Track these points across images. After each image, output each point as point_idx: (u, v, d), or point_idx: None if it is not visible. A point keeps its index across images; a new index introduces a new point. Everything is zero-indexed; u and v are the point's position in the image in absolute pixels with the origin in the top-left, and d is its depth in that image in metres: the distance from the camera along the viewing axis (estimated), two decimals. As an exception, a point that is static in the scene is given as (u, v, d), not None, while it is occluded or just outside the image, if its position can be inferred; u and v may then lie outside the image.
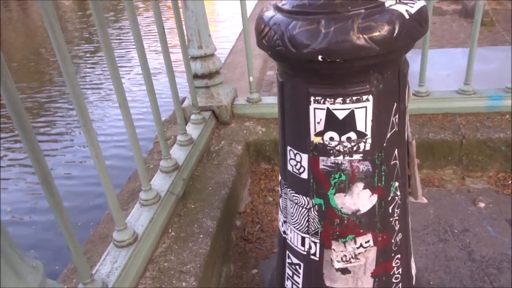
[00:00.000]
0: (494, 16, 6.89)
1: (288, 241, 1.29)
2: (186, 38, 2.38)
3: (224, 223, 1.92)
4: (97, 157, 1.36)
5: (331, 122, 1.03)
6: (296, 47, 0.93)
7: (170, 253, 1.66)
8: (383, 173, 1.10)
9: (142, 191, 1.76)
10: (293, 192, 1.19)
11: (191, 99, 2.32)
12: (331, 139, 1.05)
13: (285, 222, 1.29)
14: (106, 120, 6.22)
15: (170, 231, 1.78)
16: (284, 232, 1.31)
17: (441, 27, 7.18)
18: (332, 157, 1.07)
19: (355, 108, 1.01)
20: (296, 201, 1.19)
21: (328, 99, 1.01)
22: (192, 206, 1.91)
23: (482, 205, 2.20)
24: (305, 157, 1.11)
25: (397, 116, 1.07)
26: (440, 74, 3.92)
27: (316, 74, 0.99)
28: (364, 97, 1.00)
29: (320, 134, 1.05)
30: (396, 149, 1.11)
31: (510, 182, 2.31)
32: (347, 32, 0.89)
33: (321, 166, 1.09)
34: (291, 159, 1.15)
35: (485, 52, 4.60)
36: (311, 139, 1.07)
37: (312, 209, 1.16)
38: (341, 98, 1.00)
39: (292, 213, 1.22)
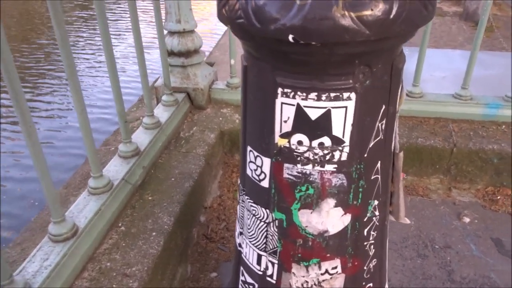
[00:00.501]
0: (494, 22, 6.68)
1: (243, 256, 1.07)
2: (164, 10, 2.13)
3: (184, 219, 1.70)
4: (29, 136, 1.13)
5: (301, 122, 0.80)
6: (261, 22, 0.70)
7: (115, 251, 1.44)
8: (360, 190, 0.88)
9: (91, 178, 1.53)
10: (251, 201, 0.97)
11: (163, 78, 2.07)
12: (300, 143, 0.82)
13: (241, 233, 1.07)
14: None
15: (120, 225, 1.55)
16: (240, 245, 1.09)
17: (439, 28, 6.96)
18: (299, 165, 0.85)
19: (333, 107, 0.78)
20: (254, 212, 0.97)
21: (299, 93, 0.78)
22: (150, 198, 1.69)
23: (467, 220, 2.01)
24: (267, 161, 0.88)
25: (384, 122, 0.85)
26: (435, 76, 3.71)
27: (286, 59, 0.76)
28: (345, 95, 0.78)
29: (287, 135, 0.83)
30: (379, 162, 0.89)
31: (499, 197, 2.12)
32: (329, 7, 0.66)
33: (285, 175, 0.87)
34: (250, 161, 0.93)
35: (484, 57, 4.39)
36: (275, 141, 0.84)
37: (271, 224, 0.94)
38: (316, 94, 0.77)
39: (248, 225, 1.01)
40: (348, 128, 0.80)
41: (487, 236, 1.94)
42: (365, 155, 0.85)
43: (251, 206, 0.97)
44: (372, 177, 0.89)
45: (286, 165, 0.85)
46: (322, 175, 0.85)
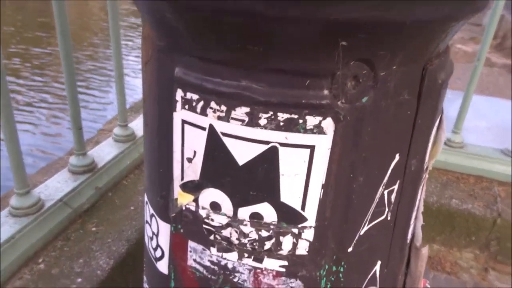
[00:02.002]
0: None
1: None
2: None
3: (132, 262, 1.28)
4: None
5: (217, 165, 0.37)
6: None
7: (19, 298, 1.03)
8: (334, 313, 0.43)
9: (15, 195, 1.14)
10: (148, 287, 0.54)
11: (150, 84, 1.69)
12: (214, 207, 0.39)
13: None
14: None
15: (40, 261, 1.14)
16: None
17: (486, 79, 6.37)
18: (213, 250, 0.41)
19: (283, 144, 0.35)
20: (151, 308, 0.53)
21: (213, 105, 0.35)
22: (93, 229, 1.27)
23: (506, 315, 1.47)
24: (164, 229, 0.45)
25: (395, 187, 0.40)
26: (479, 126, 3.16)
27: (196, 27, 0.34)
28: (312, 121, 0.34)
29: (193, 188, 0.39)
30: (379, 261, 0.44)
31: (551, 289, 1.58)
32: None
33: (190, 262, 0.43)
34: (147, 221, 0.50)
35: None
36: (174, 195, 0.41)
37: (172, 338, 0.50)
38: (247, 110, 0.34)
39: (147, 325, 0.57)
40: (316, 192, 0.36)
41: None
42: (350, 249, 0.40)
43: (149, 296, 0.54)
44: (362, 291, 0.44)
45: (191, 244, 0.42)
46: (257, 276, 0.40)
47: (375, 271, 0.44)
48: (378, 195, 0.39)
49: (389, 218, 0.41)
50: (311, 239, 0.38)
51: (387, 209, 0.40)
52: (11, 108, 1.00)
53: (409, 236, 0.47)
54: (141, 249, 1.30)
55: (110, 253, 1.20)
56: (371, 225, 0.40)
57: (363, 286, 0.43)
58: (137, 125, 1.63)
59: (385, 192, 0.39)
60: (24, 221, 1.11)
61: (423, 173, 0.42)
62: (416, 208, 0.44)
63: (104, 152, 1.43)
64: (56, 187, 1.24)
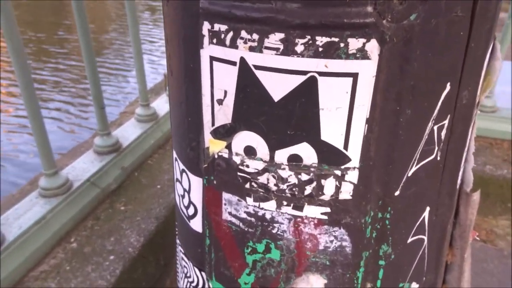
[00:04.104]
0: None
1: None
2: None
3: (162, 240, 1.27)
4: None
5: (251, 104, 0.34)
6: None
7: (54, 276, 1.04)
8: (381, 263, 0.40)
9: (43, 176, 1.14)
10: (182, 250, 0.52)
11: (170, 64, 1.66)
12: (249, 152, 0.36)
13: (179, 295, 0.62)
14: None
15: (72, 240, 1.15)
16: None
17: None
18: (249, 200, 0.38)
19: (323, 73, 0.31)
20: (185, 270, 0.51)
21: (244, 34, 0.32)
22: (122, 208, 1.27)
23: (546, 281, 1.41)
24: (196, 183, 0.43)
25: (446, 122, 0.36)
26: (506, 91, 3.02)
27: None
28: (355, 44, 0.30)
29: (225, 133, 0.37)
30: (428, 208, 0.41)
31: None
32: None
33: (225, 215, 0.40)
34: (177, 179, 0.48)
35: None
36: (205, 144, 0.39)
37: (209, 299, 0.48)
38: (283, 36, 0.31)
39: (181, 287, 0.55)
40: (359, 128, 0.33)
41: None
42: (397, 193, 0.37)
43: (182, 258, 0.52)
44: (411, 239, 0.40)
45: (226, 195, 0.39)
46: (297, 225, 0.38)
47: (424, 218, 0.40)
48: (427, 131, 0.35)
49: (438, 158, 0.37)
50: (355, 181, 0.35)
51: (436, 148, 0.37)
52: (33, 87, 0.99)
53: (459, 181, 0.43)
54: (170, 227, 1.30)
55: (140, 231, 1.20)
56: (419, 165, 0.37)
57: (411, 234, 0.40)
58: (158, 105, 1.62)
59: (435, 128, 0.35)
60: (54, 201, 1.12)
61: (475, 108, 0.38)
62: (466, 148, 0.40)
63: (128, 132, 1.42)
64: (83, 167, 1.25)
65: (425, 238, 0.41)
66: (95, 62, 1.19)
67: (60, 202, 1.12)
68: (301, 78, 0.31)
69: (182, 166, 0.44)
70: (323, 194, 0.35)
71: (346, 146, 0.33)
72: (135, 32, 1.33)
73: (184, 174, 0.44)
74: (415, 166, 0.36)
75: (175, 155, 0.46)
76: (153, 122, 1.50)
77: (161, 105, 1.62)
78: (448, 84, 0.34)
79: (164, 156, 1.52)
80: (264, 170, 0.35)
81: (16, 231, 1.02)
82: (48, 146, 1.08)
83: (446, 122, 0.36)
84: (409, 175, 0.36)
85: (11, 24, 0.88)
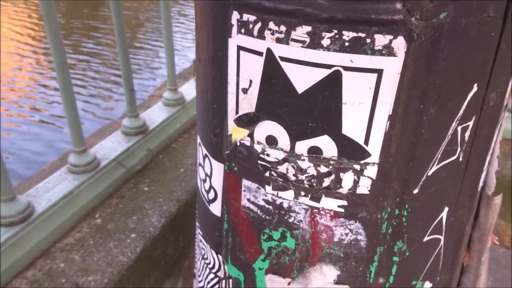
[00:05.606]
0: None
1: (194, 312, 0.64)
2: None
3: (182, 223, 1.30)
4: None
5: (275, 95, 0.35)
6: None
7: (78, 249, 1.08)
8: (395, 259, 0.40)
9: (73, 153, 1.18)
10: (201, 233, 0.53)
11: (199, 50, 1.68)
12: (271, 141, 0.37)
13: (194, 275, 0.64)
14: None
15: (97, 216, 1.19)
16: (193, 293, 0.66)
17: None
18: (268, 188, 0.39)
19: (347, 68, 0.32)
20: (203, 252, 0.53)
21: (272, 25, 0.32)
22: (145, 188, 1.31)
23: None
24: (218, 168, 0.44)
25: (471, 123, 0.36)
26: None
27: None
28: (382, 40, 0.30)
29: (248, 122, 0.37)
30: (446, 208, 0.40)
31: None
32: None
33: (244, 201, 0.41)
34: (200, 164, 0.49)
35: None
36: (228, 131, 0.40)
37: (224, 282, 0.49)
38: (309, 29, 0.31)
39: (198, 270, 0.57)
40: (381, 125, 0.33)
41: None
42: (415, 191, 0.37)
43: (201, 240, 0.53)
44: (427, 238, 0.40)
45: (246, 182, 0.40)
46: (313, 216, 0.38)
47: (441, 218, 0.40)
48: (450, 131, 0.35)
49: (460, 159, 0.37)
50: (374, 177, 0.35)
51: (459, 149, 0.36)
52: (67, 66, 1.02)
53: (481, 183, 0.42)
54: (190, 210, 1.32)
55: (161, 212, 1.23)
56: (440, 165, 0.36)
57: (427, 233, 0.40)
58: (186, 90, 1.64)
59: (459, 128, 0.35)
60: (81, 178, 1.16)
61: (503, 110, 0.38)
62: (491, 151, 0.40)
63: (155, 115, 1.45)
64: (110, 147, 1.28)
65: (442, 238, 0.41)
66: (127, 47, 1.22)
67: (87, 179, 1.16)
68: (325, 72, 0.31)
69: (205, 151, 0.45)
70: (341, 187, 0.36)
71: (366, 141, 0.34)
72: (167, 17, 1.35)
73: (206, 159, 0.45)
74: (436, 165, 0.36)
75: (199, 139, 0.47)
76: (180, 106, 1.52)
77: (189, 90, 1.64)
78: (476, 85, 0.34)
79: (189, 141, 1.55)
80: (284, 160, 0.36)
81: (46, 203, 1.06)
82: (78, 124, 1.12)
83: (470, 123, 0.35)
84: (429, 174, 0.36)
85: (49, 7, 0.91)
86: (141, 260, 1.11)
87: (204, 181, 0.47)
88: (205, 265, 0.52)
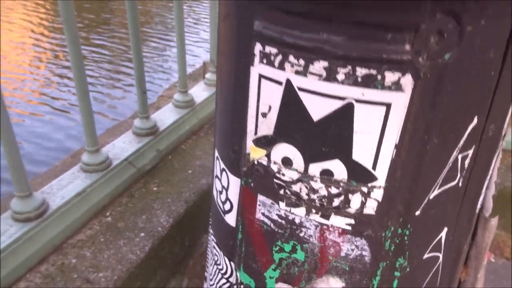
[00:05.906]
0: None
1: (203, 313, 0.67)
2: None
3: (190, 223, 1.34)
4: None
5: (292, 121, 0.38)
6: None
7: (89, 246, 1.12)
8: (397, 274, 0.43)
9: (86, 152, 1.22)
10: (214, 240, 0.57)
11: (210, 52, 1.72)
12: (286, 162, 0.40)
13: (205, 278, 0.67)
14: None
15: (107, 214, 1.23)
16: (202, 295, 0.69)
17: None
18: (282, 204, 0.42)
19: (359, 101, 0.35)
20: (215, 258, 0.56)
21: (292, 59, 0.36)
22: (155, 189, 1.34)
23: None
24: (235, 183, 0.47)
25: (470, 152, 0.39)
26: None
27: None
28: (391, 77, 0.34)
29: (266, 143, 0.41)
30: (446, 228, 0.44)
31: None
32: None
33: (258, 215, 0.45)
34: (216, 176, 0.52)
35: None
36: (246, 149, 0.43)
37: (236, 287, 0.53)
38: (326, 64, 0.34)
39: (210, 274, 0.60)
40: (388, 152, 0.36)
41: None
42: (417, 213, 0.40)
43: (214, 247, 0.57)
44: (426, 256, 0.44)
45: (261, 197, 0.44)
46: (323, 232, 0.41)
47: (441, 237, 0.43)
48: (451, 159, 0.38)
49: (460, 184, 0.40)
50: (379, 199, 0.38)
51: (459, 175, 0.39)
52: (83, 66, 1.06)
53: (479, 206, 0.45)
54: (197, 211, 1.36)
55: (169, 212, 1.27)
56: (441, 190, 0.39)
57: (427, 251, 0.43)
58: (196, 92, 1.68)
59: (459, 157, 0.38)
60: (94, 176, 1.19)
61: (500, 140, 0.41)
62: (489, 176, 0.43)
63: (165, 116, 1.48)
64: (122, 147, 1.32)
65: (441, 255, 0.44)
66: (140, 50, 1.25)
67: (99, 178, 1.20)
68: (339, 103, 0.35)
69: (222, 165, 0.48)
70: (349, 207, 0.39)
71: (374, 167, 0.37)
72: (179, 16, 1.38)
73: (224, 173, 0.48)
74: (437, 190, 0.39)
75: (216, 153, 0.50)
76: (189, 108, 1.56)
77: (198, 92, 1.68)
78: (476, 117, 0.37)
79: (197, 143, 1.58)
80: (298, 180, 0.39)
81: (59, 201, 1.10)
82: (92, 125, 1.16)
83: (470, 152, 0.39)
84: (431, 197, 0.39)
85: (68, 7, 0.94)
86: (149, 259, 1.14)
87: (221, 192, 0.50)
88: (218, 270, 0.56)
